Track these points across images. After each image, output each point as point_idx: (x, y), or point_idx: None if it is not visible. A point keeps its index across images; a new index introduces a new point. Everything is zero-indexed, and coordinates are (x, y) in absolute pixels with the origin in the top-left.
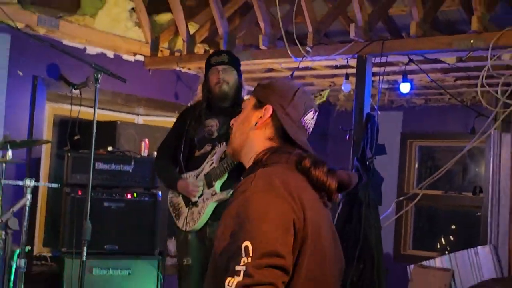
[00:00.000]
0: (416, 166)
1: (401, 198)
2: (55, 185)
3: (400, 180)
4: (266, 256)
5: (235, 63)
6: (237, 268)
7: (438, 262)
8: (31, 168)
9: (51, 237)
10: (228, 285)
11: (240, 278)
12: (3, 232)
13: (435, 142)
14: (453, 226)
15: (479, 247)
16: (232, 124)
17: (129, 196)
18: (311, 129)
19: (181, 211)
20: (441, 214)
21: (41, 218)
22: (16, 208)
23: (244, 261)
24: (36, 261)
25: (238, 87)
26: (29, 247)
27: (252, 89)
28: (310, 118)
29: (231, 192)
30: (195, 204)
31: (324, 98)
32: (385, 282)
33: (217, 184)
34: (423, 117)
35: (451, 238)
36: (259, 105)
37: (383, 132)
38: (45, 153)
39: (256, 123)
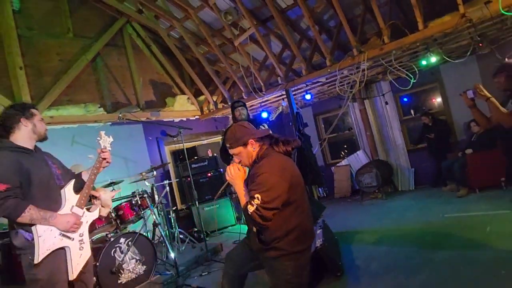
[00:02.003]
0: (322, 126)
1: (320, 142)
2: (175, 180)
3: (318, 133)
4: (267, 204)
5: (245, 105)
6: (253, 202)
7: (343, 162)
8: (167, 174)
9: (183, 200)
10: (249, 208)
11: (254, 208)
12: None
13: (327, 115)
14: (345, 146)
15: (357, 152)
16: (238, 161)
17: (209, 174)
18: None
19: None
20: (339, 141)
21: (177, 193)
22: (162, 194)
23: (256, 202)
24: (180, 211)
25: (248, 115)
26: (174, 208)
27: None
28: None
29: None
30: None
31: (280, 110)
32: (322, 178)
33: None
34: (319, 105)
35: (346, 151)
36: (244, 145)
37: (305, 117)
38: (171, 166)
39: (254, 149)
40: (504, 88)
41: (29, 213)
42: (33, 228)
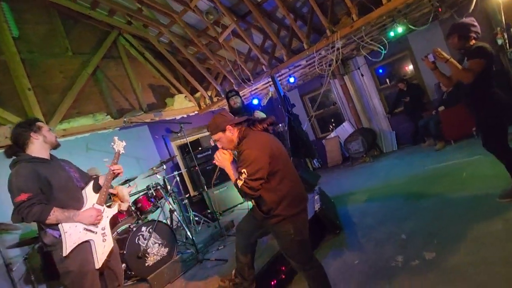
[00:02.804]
0: (309, 104)
1: (308, 118)
2: (183, 170)
3: (306, 112)
4: (252, 175)
5: (238, 94)
6: (241, 177)
7: (332, 134)
8: (177, 166)
9: (195, 187)
10: (238, 182)
11: (242, 181)
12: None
13: (312, 94)
14: (332, 120)
15: (343, 123)
16: (222, 147)
17: (214, 162)
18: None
19: None
20: (326, 116)
21: (189, 182)
22: (173, 183)
23: (243, 176)
24: (193, 198)
25: (242, 102)
26: (187, 195)
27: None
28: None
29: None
30: None
31: (270, 95)
32: (315, 150)
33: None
34: (303, 87)
35: (333, 124)
36: (223, 131)
37: (293, 98)
38: (179, 159)
39: (231, 133)
40: (458, 47)
41: (54, 215)
42: (59, 226)
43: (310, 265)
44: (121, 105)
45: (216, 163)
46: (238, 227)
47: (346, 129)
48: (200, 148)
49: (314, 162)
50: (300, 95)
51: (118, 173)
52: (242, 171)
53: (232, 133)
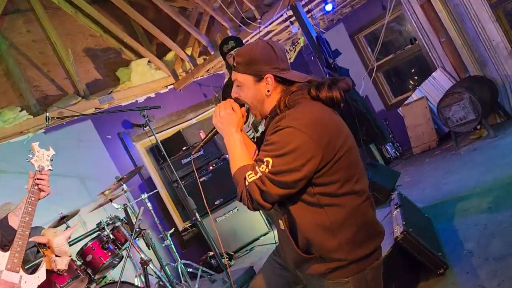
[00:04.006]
0: (367, 48)
1: (364, 75)
2: (156, 190)
3: (362, 62)
4: (279, 174)
5: (240, 43)
6: (257, 168)
7: (414, 96)
8: (148, 184)
9: (184, 215)
10: (248, 175)
11: (255, 177)
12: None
13: (370, 28)
14: (412, 70)
15: (433, 73)
16: (237, 98)
17: (211, 167)
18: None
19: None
20: (399, 67)
21: (173, 208)
22: (140, 216)
23: (263, 168)
24: (183, 233)
25: None
26: (171, 231)
27: None
28: (288, 56)
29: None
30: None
31: (302, 43)
32: (385, 129)
33: (260, 128)
34: (354, 19)
35: (414, 78)
36: (258, 78)
37: (336, 41)
38: (152, 171)
39: (268, 91)
40: None
41: None
42: None
43: None
44: (43, 91)
45: (213, 122)
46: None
47: (439, 83)
48: (184, 148)
49: (387, 148)
50: (349, 34)
51: (43, 195)
52: (266, 159)
53: (269, 90)
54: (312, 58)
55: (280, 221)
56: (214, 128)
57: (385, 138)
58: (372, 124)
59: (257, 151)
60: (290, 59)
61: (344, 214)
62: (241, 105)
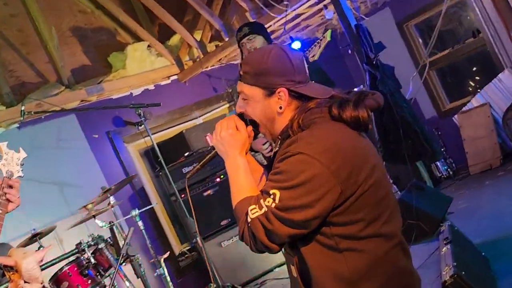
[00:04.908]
0: (419, 40)
1: (414, 75)
2: (152, 205)
3: (412, 57)
4: (288, 210)
5: (257, 30)
6: (262, 202)
7: (474, 102)
8: (141, 196)
9: (182, 236)
10: (251, 210)
11: (260, 213)
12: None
13: (423, 16)
14: (474, 69)
15: (499, 75)
16: (242, 113)
17: (217, 179)
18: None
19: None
20: (458, 65)
21: (169, 227)
22: (128, 239)
23: (269, 202)
24: (179, 258)
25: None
26: (165, 255)
27: None
28: (306, 65)
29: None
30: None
31: (329, 38)
32: (436, 143)
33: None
34: (403, 3)
35: (476, 79)
36: (269, 92)
37: (380, 30)
38: (146, 179)
39: (280, 108)
40: None
41: None
42: None
43: None
44: (20, 78)
45: (212, 142)
46: None
47: (506, 87)
48: (186, 154)
49: (437, 166)
50: (396, 22)
51: (12, 207)
52: (272, 192)
53: (281, 106)
54: (349, 51)
55: (292, 267)
56: (214, 148)
57: (435, 154)
58: (420, 136)
59: (265, 177)
60: (314, 56)
61: (368, 262)
62: (247, 122)
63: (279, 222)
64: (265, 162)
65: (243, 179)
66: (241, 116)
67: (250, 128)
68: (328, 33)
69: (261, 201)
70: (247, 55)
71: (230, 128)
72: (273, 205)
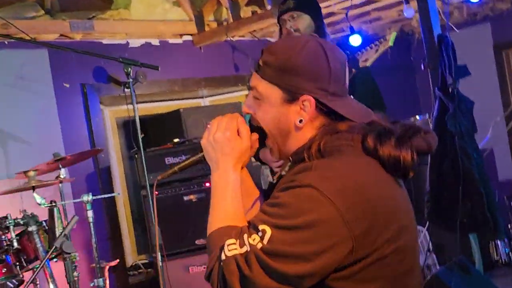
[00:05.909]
0: None
1: (498, 118)
2: (114, 194)
3: (502, 93)
4: (279, 258)
5: (305, 7)
6: (245, 239)
7: None
8: (102, 178)
9: (143, 245)
10: (228, 245)
11: (240, 252)
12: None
13: None
14: None
15: None
16: (249, 115)
17: (208, 184)
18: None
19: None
20: None
21: (129, 227)
22: (68, 230)
23: (254, 240)
24: (131, 271)
25: (320, 33)
26: (113, 263)
27: None
28: (347, 74)
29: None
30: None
31: (391, 43)
32: (501, 216)
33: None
34: (510, 22)
35: None
36: (291, 97)
37: (470, 49)
38: (117, 159)
39: (301, 121)
40: None
41: None
42: None
43: None
44: None
45: (202, 144)
46: None
47: None
48: (176, 140)
49: (497, 245)
50: (494, 44)
51: None
52: (261, 227)
53: (302, 120)
54: (422, 67)
55: None
56: (202, 151)
57: (498, 231)
58: (484, 202)
59: (259, 204)
60: (366, 60)
61: None
62: (253, 128)
63: (261, 269)
64: (271, 180)
65: (230, 201)
66: (247, 118)
67: (255, 136)
68: (392, 36)
69: (245, 236)
70: (275, 41)
71: (229, 130)
72: (259, 245)
